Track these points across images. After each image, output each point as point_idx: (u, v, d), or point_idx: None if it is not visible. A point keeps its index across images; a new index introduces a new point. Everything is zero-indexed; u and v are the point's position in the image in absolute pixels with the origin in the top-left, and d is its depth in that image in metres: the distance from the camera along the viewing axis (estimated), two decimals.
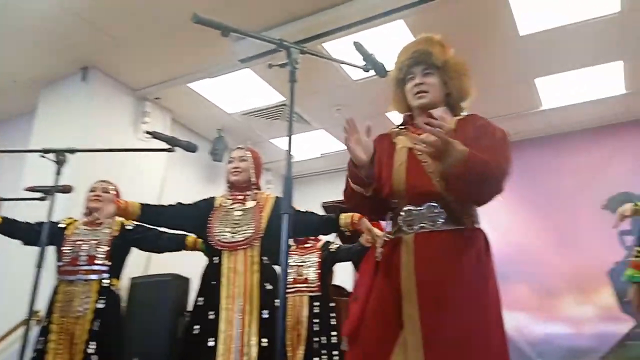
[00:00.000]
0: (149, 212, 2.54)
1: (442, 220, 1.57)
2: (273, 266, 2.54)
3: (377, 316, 1.54)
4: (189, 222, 2.61)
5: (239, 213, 2.57)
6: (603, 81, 4.62)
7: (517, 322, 4.98)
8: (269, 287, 2.45)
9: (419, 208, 1.60)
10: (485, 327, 1.48)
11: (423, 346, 1.45)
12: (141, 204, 2.52)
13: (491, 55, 4.20)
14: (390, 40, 3.79)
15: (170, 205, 2.64)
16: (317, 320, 3.57)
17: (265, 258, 2.50)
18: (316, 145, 6.06)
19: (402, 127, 1.80)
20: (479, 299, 1.50)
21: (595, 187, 5.03)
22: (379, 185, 1.69)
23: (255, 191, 2.68)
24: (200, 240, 2.80)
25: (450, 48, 1.81)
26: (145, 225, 2.82)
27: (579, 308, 4.89)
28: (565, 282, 4.96)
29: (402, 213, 1.63)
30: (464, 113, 1.78)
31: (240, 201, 2.63)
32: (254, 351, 2.31)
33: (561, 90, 4.79)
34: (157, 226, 2.76)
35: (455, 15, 3.68)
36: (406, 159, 1.67)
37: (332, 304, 3.70)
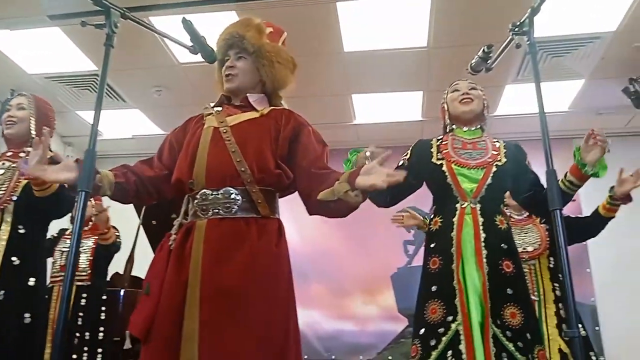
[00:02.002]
0: None
1: (237, 207, 1.54)
2: (35, 240, 2.20)
3: (168, 312, 1.45)
4: None
5: (0, 172, 2.20)
6: (405, 107, 5.16)
7: (311, 318, 5.28)
8: (16, 262, 2.10)
9: (215, 192, 1.55)
10: (270, 320, 1.46)
11: (199, 336, 1.40)
12: None
13: (316, 65, 4.39)
14: (220, 31, 3.71)
15: None
16: (82, 314, 3.28)
17: (21, 226, 2.15)
18: (128, 125, 5.65)
19: (218, 108, 1.75)
20: (266, 290, 1.48)
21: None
22: (172, 169, 1.65)
23: None
24: None
25: (279, 35, 1.81)
26: None
27: (365, 308, 5.38)
28: (355, 283, 5.41)
29: (197, 197, 1.57)
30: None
31: (7, 158, 2.24)
32: None
33: (372, 109, 5.23)
34: None
35: (287, 18, 3.75)
36: (210, 138, 1.63)
37: (104, 297, 3.43)
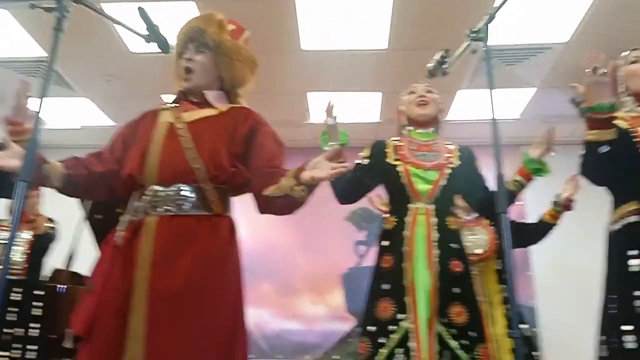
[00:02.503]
0: None
1: (189, 205, 1.51)
2: None
3: (113, 311, 1.40)
4: None
5: None
6: (363, 107, 5.19)
7: (258, 317, 5.23)
8: None
9: (166, 189, 1.52)
10: (218, 320, 1.44)
11: (145, 337, 1.36)
12: None
13: (272, 61, 4.35)
14: (179, 21, 3.61)
15: None
16: (14, 309, 3.14)
17: None
18: (77, 114, 5.43)
19: (175, 103, 1.71)
20: (215, 290, 1.46)
21: None
22: (123, 164, 1.60)
23: None
24: None
25: (240, 32, 1.79)
26: None
27: (313, 307, 5.38)
28: (305, 282, 5.40)
29: (148, 193, 1.53)
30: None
31: None
32: None
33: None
34: None
35: (245, 12, 3.69)
36: (165, 134, 1.59)
37: (40, 292, 3.29)
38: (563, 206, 2.88)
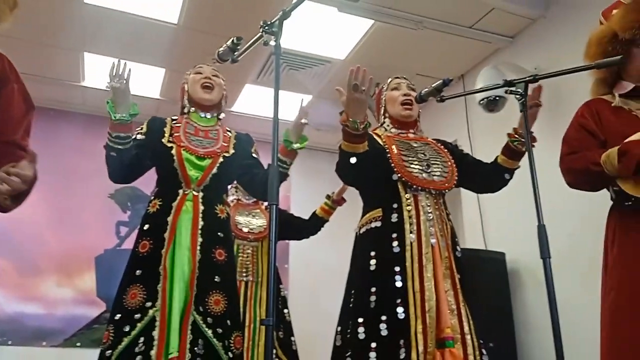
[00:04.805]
0: None
1: None
2: None
3: None
4: None
5: None
6: (144, 81, 4.88)
7: None
8: None
9: None
10: None
11: None
12: None
13: (47, 8, 3.80)
14: None
15: None
16: None
17: None
18: None
19: None
20: None
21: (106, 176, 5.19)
22: None
23: None
24: None
25: None
26: None
27: (58, 290, 4.84)
28: (52, 262, 4.83)
29: None
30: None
31: None
32: None
33: (105, 73, 4.76)
34: None
35: None
36: None
37: None
38: (335, 201, 3.23)
